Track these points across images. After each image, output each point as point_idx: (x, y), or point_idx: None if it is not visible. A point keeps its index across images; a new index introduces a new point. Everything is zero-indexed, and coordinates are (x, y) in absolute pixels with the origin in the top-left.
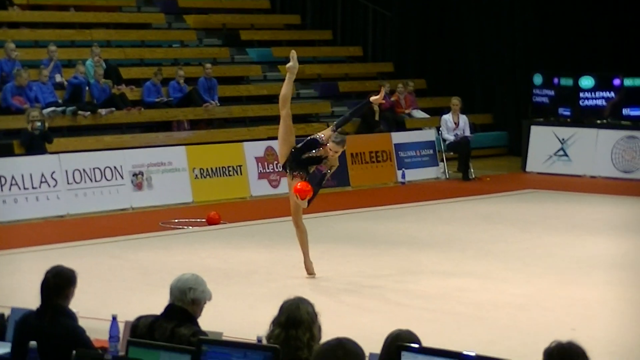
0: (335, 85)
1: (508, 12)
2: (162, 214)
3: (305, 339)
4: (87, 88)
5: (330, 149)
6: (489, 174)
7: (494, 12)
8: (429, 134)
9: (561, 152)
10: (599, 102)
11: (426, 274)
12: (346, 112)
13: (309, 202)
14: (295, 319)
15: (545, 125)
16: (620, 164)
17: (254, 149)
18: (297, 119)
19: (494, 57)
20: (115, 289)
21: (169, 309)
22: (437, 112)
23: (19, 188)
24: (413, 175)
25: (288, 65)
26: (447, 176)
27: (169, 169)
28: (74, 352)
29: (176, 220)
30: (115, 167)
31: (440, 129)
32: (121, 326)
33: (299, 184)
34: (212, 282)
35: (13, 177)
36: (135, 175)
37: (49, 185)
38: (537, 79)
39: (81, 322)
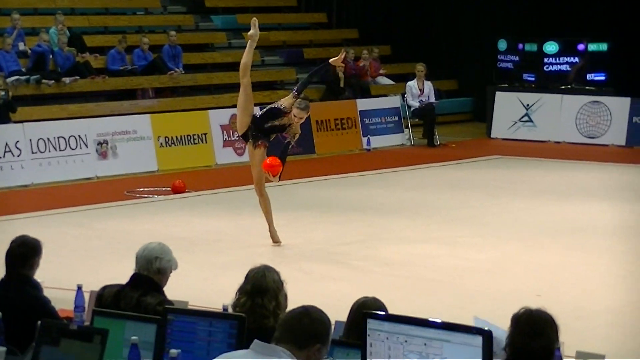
0: (300, 52)
1: None
2: (127, 183)
3: (271, 307)
4: (50, 56)
5: (294, 115)
6: (454, 140)
7: None
8: (394, 101)
9: (526, 118)
10: (564, 67)
11: (393, 241)
12: (305, 76)
13: (279, 177)
14: (261, 287)
15: (510, 91)
16: (584, 130)
17: (219, 117)
18: (262, 86)
19: (459, 23)
20: (81, 259)
21: (134, 278)
22: (402, 79)
23: None
24: (378, 142)
25: (249, 33)
26: (413, 143)
27: (133, 138)
28: (39, 322)
29: (141, 189)
30: (79, 136)
31: (406, 95)
32: (86, 296)
33: (268, 159)
34: (177, 250)
35: None
36: (100, 144)
37: (13, 155)
38: (502, 45)
39: (46, 292)
